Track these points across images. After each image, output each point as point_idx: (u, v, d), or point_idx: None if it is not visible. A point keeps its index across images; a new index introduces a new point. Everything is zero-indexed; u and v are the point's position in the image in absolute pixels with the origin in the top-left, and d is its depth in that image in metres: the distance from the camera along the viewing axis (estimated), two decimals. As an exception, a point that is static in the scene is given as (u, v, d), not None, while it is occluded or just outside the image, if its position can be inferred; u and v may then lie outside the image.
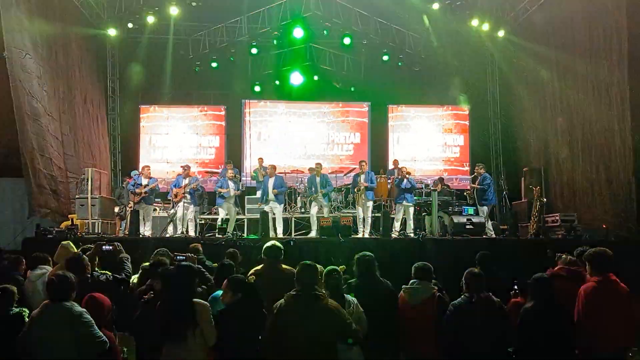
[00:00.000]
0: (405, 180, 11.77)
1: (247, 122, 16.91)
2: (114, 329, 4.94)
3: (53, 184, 11.90)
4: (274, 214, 11.70)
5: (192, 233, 11.66)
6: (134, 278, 6.00)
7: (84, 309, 4.29)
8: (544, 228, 11.69)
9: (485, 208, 11.85)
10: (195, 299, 4.41)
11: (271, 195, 11.70)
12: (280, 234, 11.47)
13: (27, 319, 4.54)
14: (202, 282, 5.48)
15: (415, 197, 12.24)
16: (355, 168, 14.45)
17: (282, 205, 12.11)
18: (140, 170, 12.80)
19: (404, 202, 11.75)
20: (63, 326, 4.13)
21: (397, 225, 11.77)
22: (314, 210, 11.88)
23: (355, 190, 11.85)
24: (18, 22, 10.96)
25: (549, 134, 14.05)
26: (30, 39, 11.48)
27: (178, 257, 5.84)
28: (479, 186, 12.00)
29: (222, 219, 11.78)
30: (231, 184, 12.07)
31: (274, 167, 12.34)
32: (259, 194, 13.26)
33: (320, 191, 11.81)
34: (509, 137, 16.77)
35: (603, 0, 11.46)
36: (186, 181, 11.90)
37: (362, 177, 11.79)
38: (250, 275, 5.44)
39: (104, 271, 5.56)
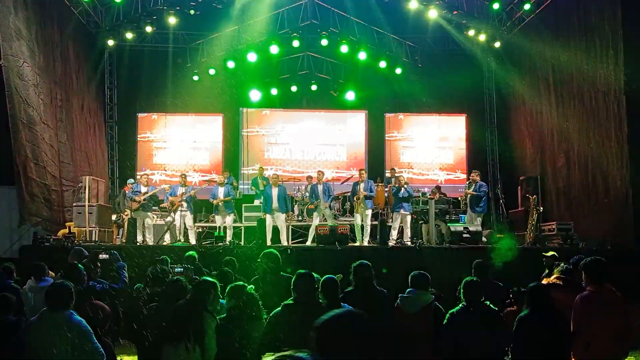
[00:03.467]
0: (402, 189, 11.77)
1: (245, 129, 16.94)
2: (111, 337, 4.92)
3: (46, 192, 11.82)
4: (276, 223, 11.70)
5: (191, 241, 11.68)
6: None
7: (82, 319, 4.27)
8: (541, 237, 11.70)
9: (478, 217, 11.88)
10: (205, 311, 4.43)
11: (275, 205, 11.66)
12: (284, 243, 11.44)
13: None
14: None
15: (412, 206, 12.23)
16: (352, 176, 14.48)
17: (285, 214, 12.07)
18: (139, 177, 12.81)
19: (401, 211, 11.75)
20: (60, 334, 4.11)
21: (394, 234, 11.75)
22: (316, 220, 11.86)
23: (355, 198, 11.83)
24: (15, 30, 10.97)
25: (546, 143, 14.09)
26: (28, 47, 11.49)
27: (176, 270, 5.89)
28: (474, 193, 12.00)
29: (220, 227, 11.81)
30: (221, 191, 12.03)
31: (277, 177, 12.35)
32: (257, 202, 13.24)
33: (325, 204, 11.86)
34: (505, 146, 16.80)
35: (599, 9, 11.53)
36: (183, 190, 11.90)
37: (362, 185, 11.76)
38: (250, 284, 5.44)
39: (101, 280, 5.56)
